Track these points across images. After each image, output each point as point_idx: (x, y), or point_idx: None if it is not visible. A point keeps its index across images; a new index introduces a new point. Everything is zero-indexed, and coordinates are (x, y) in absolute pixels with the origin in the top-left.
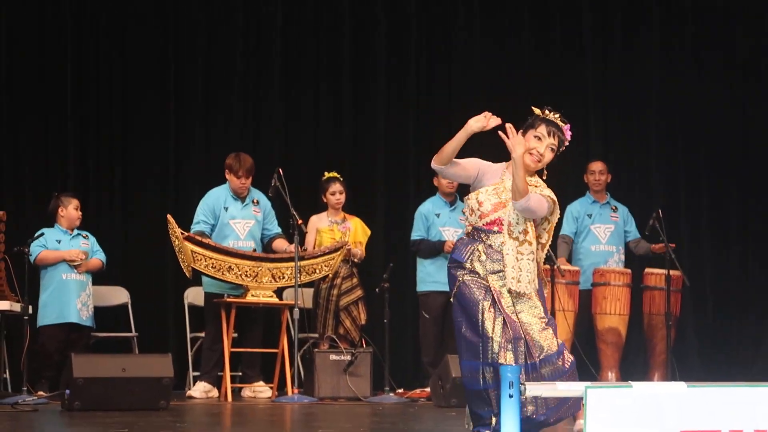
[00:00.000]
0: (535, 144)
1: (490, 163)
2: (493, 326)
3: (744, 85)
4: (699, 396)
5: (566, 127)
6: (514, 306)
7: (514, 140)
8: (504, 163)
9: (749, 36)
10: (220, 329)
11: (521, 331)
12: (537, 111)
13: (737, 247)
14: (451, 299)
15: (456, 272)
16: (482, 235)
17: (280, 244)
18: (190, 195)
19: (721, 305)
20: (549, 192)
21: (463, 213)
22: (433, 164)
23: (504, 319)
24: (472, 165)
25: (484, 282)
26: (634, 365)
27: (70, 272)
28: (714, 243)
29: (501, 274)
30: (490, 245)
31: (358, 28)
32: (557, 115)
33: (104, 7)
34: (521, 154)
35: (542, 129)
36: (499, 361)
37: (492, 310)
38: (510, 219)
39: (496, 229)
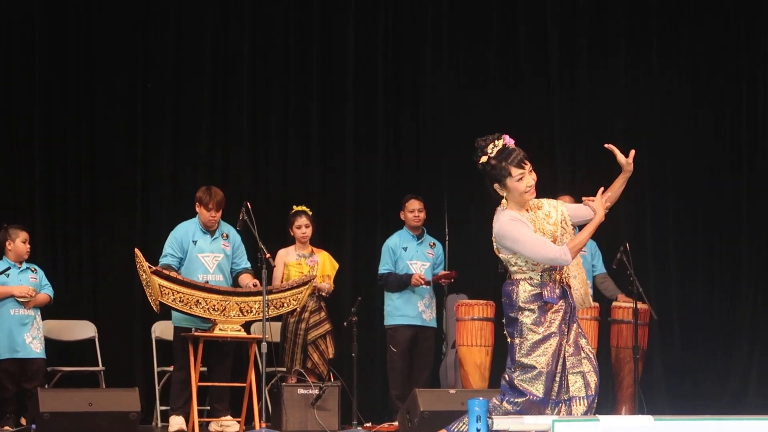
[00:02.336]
0: (524, 185)
1: (515, 217)
2: (565, 365)
3: (708, 114)
4: (666, 429)
5: (506, 140)
6: (582, 336)
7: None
8: (506, 210)
9: (714, 64)
10: (189, 363)
11: (580, 368)
12: (484, 159)
13: (704, 281)
14: (527, 339)
15: (535, 314)
16: (554, 274)
17: (244, 279)
18: (157, 229)
19: (688, 338)
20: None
21: (511, 264)
22: (573, 258)
23: (564, 353)
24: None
25: (565, 320)
26: (602, 399)
27: (17, 308)
28: (681, 276)
29: (575, 306)
30: (562, 280)
31: (327, 59)
32: (498, 143)
33: (72, 37)
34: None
35: (516, 171)
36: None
37: (564, 347)
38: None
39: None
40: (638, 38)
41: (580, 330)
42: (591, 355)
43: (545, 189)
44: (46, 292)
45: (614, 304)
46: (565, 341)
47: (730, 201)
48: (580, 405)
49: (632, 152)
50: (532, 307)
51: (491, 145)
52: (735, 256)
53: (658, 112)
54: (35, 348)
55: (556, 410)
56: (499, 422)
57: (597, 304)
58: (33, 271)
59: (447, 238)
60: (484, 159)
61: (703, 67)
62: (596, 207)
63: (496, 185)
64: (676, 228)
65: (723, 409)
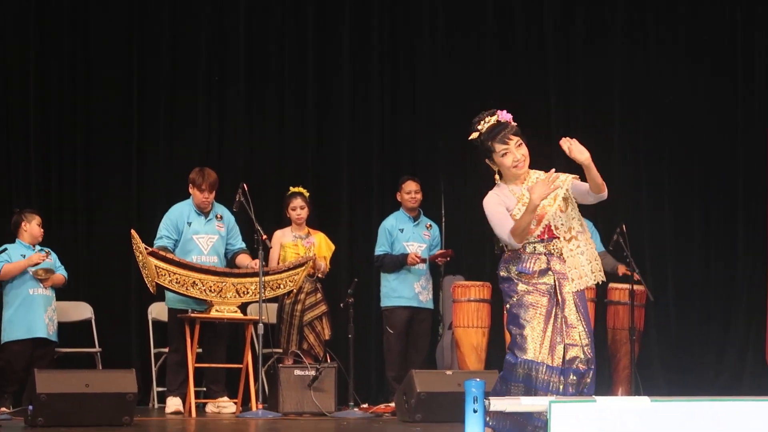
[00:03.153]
0: (509, 160)
1: (498, 192)
2: (557, 333)
3: (705, 84)
4: (663, 410)
5: (502, 115)
6: (577, 311)
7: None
8: (502, 184)
9: (712, 33)
10: (185, 344)
11: (576, 338)
12: (475, 135)
13: (700, 261)
14: (507, 307)
15: (518, 283)
16: (539, 247)
17: (243, 259)
18: (153, 210)
19: (684, 320)
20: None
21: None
22: (519, 243)
23: (562, 323)
24: (506, 211)
25: (550, 289)
26: (598, 380)
27: (36, 287)
28: (677, 256)
29: (566, 280)
30: (550, 253)
31: (322, 41)
32: (490, 119)
33: (67, 21)
34: (534, 201)
35: (499, 146)
36: (548, 363)
37: (559, 315)
38: (555, 223)
39: (547, 236)
40: (636, 8)
41: (579, 303)
42: (584, 331)
43: (540, 160)
44: (61, 272)
45: (611, 285)
46: (558, 310)
47: (726, 179)
48: (571, 376)
49: (565, 141)
50: (510, 276)
51: (483, 122)
52: (731, 235)
53: (653, 91)
54: (50, 330)
55: (552, 377)
56: (496, 403)
57: (593, 286)
58: (47, 254)
59: (443, 219)
60: (474, 135)
61: (701, 37)
62: (532, 190)
63: (487, 160)
64: (672, 208)
65: (719, 390)
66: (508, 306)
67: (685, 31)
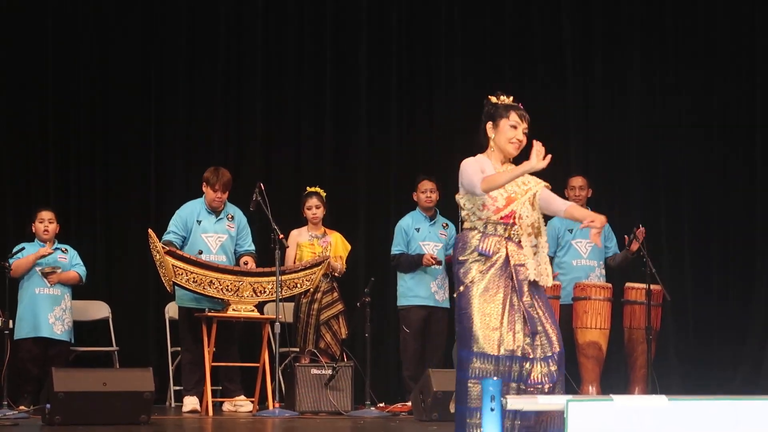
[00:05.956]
0: (512, 133)
1: (479, 159)
2: (515, 319)
3: (722, 100)
4: (679, 409)
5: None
6: (532, 299)
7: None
8: (481, 154)
9: (728, 54)
10: (202, 344)
11: (539, 326)
12: (494, 99)
13: (717, 261)
14: (460, 289)
15: (475, 265)
16: (499, 228)
17: (241, 261)
18: (171, 210)
19: (701, 320)
20: None
21: (462, 208)
22: (482, 189)
23: (524, 313)
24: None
25: (507, 274)
26: (615, 379)
27: (42, 287)
28: (694, 258)
29: (523, 267)
30: (509, 237)
31: (340, 44)
32: (510, 98)
33: (84, 22)
34: (537, 167)
35: (514, 117)
36: (520, 354)
37: (515, 302)
38: (521, 212)
39: (512, 221)
40: (653, 28)
41: (534, 293)
42: (547, 321)
43: (558, 170)
44: (77, 270)
45: (627, 284)
46: (516, 297)
47: (745, 188)
48: (539, 366)
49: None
50: (468, 257)
51: (506, 97)
52: (749, 242)
53: (673, 101)
54: (57, 329)
55: (512, 366)
56: (512, 402)
57: (610, 285)
58: (63, 252)
59: (460, 218)
60: (493, 98)
61: (719, 58)
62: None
63: (489, 124)
64: (690, 210)
65: (736, 389)
66: (462, 289)
67: (705, 52)
